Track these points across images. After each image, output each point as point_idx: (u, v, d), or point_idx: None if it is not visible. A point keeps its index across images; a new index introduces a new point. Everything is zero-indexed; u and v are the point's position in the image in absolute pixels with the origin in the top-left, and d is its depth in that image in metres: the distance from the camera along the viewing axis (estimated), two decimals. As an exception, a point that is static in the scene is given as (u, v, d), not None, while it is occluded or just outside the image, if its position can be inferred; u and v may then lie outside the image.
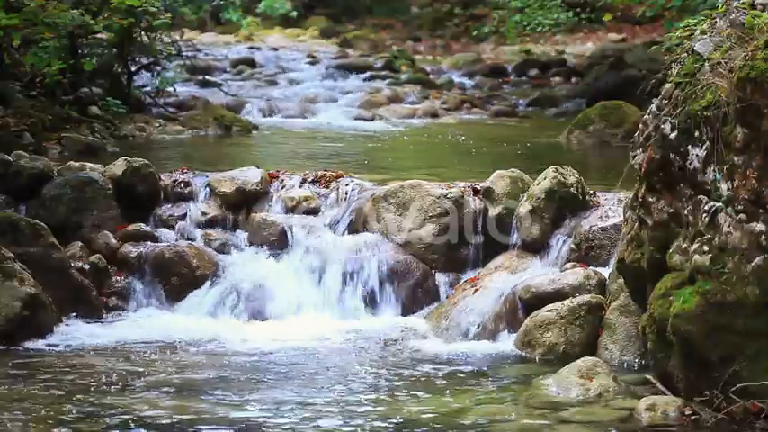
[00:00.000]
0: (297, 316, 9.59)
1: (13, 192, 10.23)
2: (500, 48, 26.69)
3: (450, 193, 10.00)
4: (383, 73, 23.06)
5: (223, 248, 10.10)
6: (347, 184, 10.51)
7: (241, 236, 10.27)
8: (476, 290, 9.39)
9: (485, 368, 8.27)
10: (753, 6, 7.10)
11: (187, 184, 10.61)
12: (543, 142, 14.96)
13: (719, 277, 6.82)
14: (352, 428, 6.88)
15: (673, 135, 7.13)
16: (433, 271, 9.87)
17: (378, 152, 14.24)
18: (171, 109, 16.30)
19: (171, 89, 16.64)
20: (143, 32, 16.03)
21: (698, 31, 7.26)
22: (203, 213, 10.37)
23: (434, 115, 18.82)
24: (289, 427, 6.89)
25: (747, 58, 6.78)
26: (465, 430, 6.87)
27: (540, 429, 6.86)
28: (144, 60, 16.49)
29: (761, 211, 6.75)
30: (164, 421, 6.94)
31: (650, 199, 7.35)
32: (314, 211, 10.33)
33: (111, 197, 10.23)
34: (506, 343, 8.83)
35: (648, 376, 7.43)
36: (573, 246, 9.42)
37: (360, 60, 24.93)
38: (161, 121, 15.66)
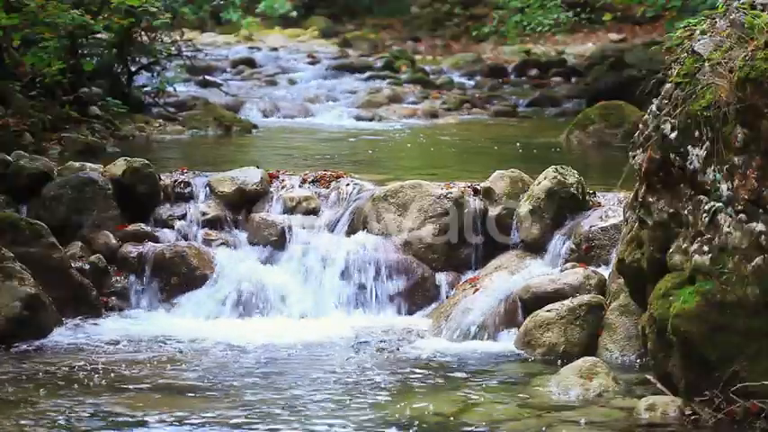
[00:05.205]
0: (296, 316, 9.60)
1: (13, 192, 10.24)
2: (500, 48, 26.67)
3: (450, 193, 10.00)
4: (383, 73, 23.05)
5: (223, 248, 10.09)
6: (347, 184, 10.51)
7: (241, 236, 10.27)
8: (476, 290, 9.39)
9: (485, 368, 8.27)
10: (753, 6, 7.10)
11: (187, 184, 10.61)
12: (543, 142, 14.96)
13: (719, 277, 6.82)
14: (352, 428, 6.88)
15: (673, 135, 7.13)
16: (433, 271, 9.87)
17: (377, 152, 14.24)
18: (171, 109, 16.30)
19: (171, 89, 16.64)
20: (143, 32, 16.03)
21: (698, 32, 7.26)
22: (203, 213, 10.36)
23: (434, 115, 18.82)
24: (287, 426, 6.89)
25: (747, 58, 6.78)
26: (465, 430, 6.87)
27: (540, 429, 6.86)
28: (144, 60, 16.48)
29: (761, 211, 6.75)
30: (164, 421, 6.94)
31: (650, 199, 7.35)
32: (314, 211, 10.33)
33: (111, 197, 10.23)
34: (506, 343, 8.83)
35: (648, 376, 7.43)
36: (573, 246, 9.42)
37: (360, 60, 24.93)
38: (161, 121, 15.66)
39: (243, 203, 10.44)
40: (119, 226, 10.14)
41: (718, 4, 7.39)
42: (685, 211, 7.12)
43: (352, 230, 10.09)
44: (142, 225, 10.23)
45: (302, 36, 30.00)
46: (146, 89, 16.54)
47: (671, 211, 7.24)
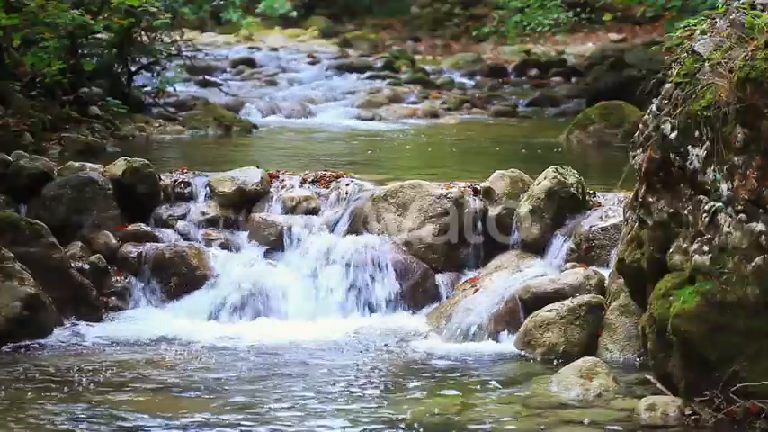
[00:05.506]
0: (296, 316, 9.59)
1: (13, 192, 10.24)
2: (500, 48, 26.68)
3: (450, 193, 10.00)
4: (383, 73, 23.05)
5: (223, 248, 10.09)
6: (347, 184, 10.51)
7: (241, 236, 10.27)
8: (476, 290, 9.39)
9: (485, 368, 8.27)
10: (753, 6, 7.10)
11: (187, 184, 10.61)
12: (543, 142, 14.96)
13: (719, 277, 6.82)
14: (352, 428, 6.88)
15: (673, 135, 7.13)
16: (433, 271, 9.87)
17: (378, 152, 14.24)
18: (171, 109, 16.30)
19: (171, 89, 16.64)
20: (143, 32, 16.03)
21: (698, 31, 7.26)
22: (203, 213, 10.36)
23: (434, 115, 18.82)
24: (287, 427, 6.89)
25: (747, 58, 6.78)
26: (465, 430, 6.87)
27: (540, 429, 6.86)
28: (144, 60, 16.49)
29: (761, 211, 6.75)
30: (164, 421, 6.94)
31: (650, 199, 7.35)
32: (314, 211, 10.33)
33: (111, 197, 10.23)
34: (506, 343, 8.83)
35: (648, 376, 7.43)
36: (573, 246, 9.43)
37: (360, 60, 24.93)
38: (161, 121, 15.67)
39: (243, 203, 10.44)
40: (119, 226, 10.14)
41: (718, 4, 7.39)
42: (685, 211, 7.12)
43: (352, 230, 10.09)
44: (142, 225, 10.23)
45: (302, 36, 30.00)
46: (146, 89, 16.54)
47: (671, 211, 7.24)
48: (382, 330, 9.24)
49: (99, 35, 15.38)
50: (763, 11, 7.01)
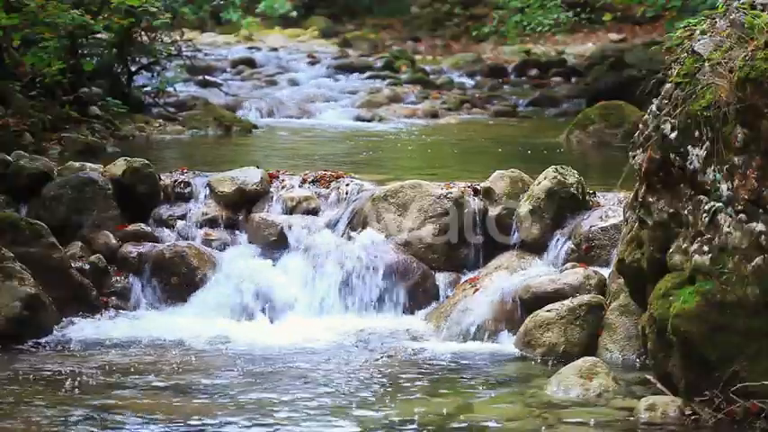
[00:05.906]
0: (296, 316, 9.59)
1: (13, 192, 10.24)
2: (500, 48, 26.67)
3: (450, 193, 10.00)
4: (383, 73, 23.04)
5: (223, 248, 10.10)
6: (347, 184, 10.51)
7: (241, 236, 10.27)
8: (476, 290, 9.39)
9: (485, 368, 8.27)
10: (753, 6, 7.10)
11: (187, 184, 10.61)
12: (543, 142, 14.96)
13: (719, 277, 6.82)
14: (352, 429, 6.88)
15: (673, 135, 7.13)
16: (433, 271, 9.86)
17: (378, 152, 14.24)
18: (171, 109, 16.30)
19: (171, 89, 16.64)
20: (143, 32, 16.04)
21: (698, 32, 7.26)
22: (203, 213, 10.36)
23: (434, 115, 18.82)
24: (287, 427, 6.89)
25: (747, 58, 6.78)
26: (465, 430, 6.87)
27: (540, 429, 6.86)
28: (144, 60, 16.49)
29: (761, 211, 6.75)
30: (164, 421, 6.94)
31: (650, 199, 7.35)
32: (314, 211, 10.33)
33: (111, 197, 10.23)
34: (506, 343, 8.83)
35: (648, 376, 7.43)
36: (573, 246, 9.43)
37: (360, 60, 24.92)
38: (161, 121, 15.67)
39: (243, 203, 10.44)
40: (119, 226, 10.14)
41: (718, 4, 7.39)
42: (685, 211, 7.12)
43: (352, 230, 10.09)
44: (142, 225, 10.23)
45: (302, 36, 29.99)
46: (146, 89, 16.54)
47: (671, 211, 7.24)
48: (382, 330, 9.23)
49: (99, 35, 15.38)
50: (763, 11, 7.02)
